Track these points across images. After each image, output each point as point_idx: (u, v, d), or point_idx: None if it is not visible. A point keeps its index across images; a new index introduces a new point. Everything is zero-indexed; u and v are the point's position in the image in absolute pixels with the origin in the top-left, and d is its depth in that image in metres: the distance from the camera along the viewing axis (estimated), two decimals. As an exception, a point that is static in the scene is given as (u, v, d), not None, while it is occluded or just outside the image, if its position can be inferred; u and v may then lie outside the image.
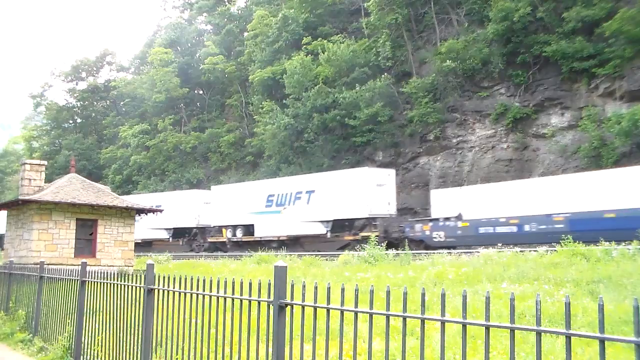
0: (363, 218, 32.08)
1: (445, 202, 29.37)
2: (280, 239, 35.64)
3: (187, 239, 44.40)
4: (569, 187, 24.61)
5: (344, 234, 33.15)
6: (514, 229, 25.63)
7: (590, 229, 22.10)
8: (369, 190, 31.00)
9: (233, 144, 55.29)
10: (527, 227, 25.37)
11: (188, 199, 43.12)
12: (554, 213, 24.52)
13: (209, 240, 42.23)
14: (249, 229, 38.44)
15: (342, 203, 31.86)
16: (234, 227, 39.32)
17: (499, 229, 26.07)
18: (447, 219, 28.68)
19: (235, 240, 39.30)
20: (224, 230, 40.42)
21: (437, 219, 29.21)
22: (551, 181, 26.51)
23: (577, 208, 23.71)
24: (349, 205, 31.18)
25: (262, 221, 37.41)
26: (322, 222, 33.34)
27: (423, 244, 28.96)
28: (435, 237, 28.65)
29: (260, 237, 36.85)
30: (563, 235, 18.55)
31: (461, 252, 22.08)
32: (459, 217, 28.29)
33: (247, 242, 37.69)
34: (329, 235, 33.37)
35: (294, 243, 35.52)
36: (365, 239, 27.19)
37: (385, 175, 32.60)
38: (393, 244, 29.39)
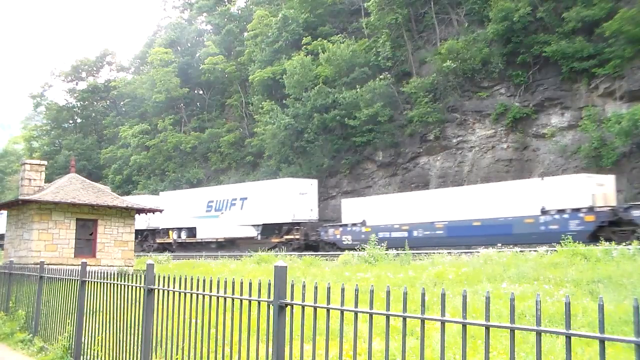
0: (288, 223, 35.54)
1: (353, 210, 33.54)
2: (219, 240, 40.51)
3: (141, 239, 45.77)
4: (448, 199, 29.28)
5: (272, 236, 36.67)
6: (405, 234, 29.61)
7: (462, 235, 27.37)
8: (292, 198, 35.16)
9: (233, 144, 55.29)
10: (415, 233, 29.59)
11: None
12: (435, 221, 28.83)
13: (157, 241, 45.52)
14: (192, 232, 42.86)
15: (270, 209, 35.93)
16: (179, 230, 43.74)
17: (394, 234, 30.14)
18: (354, 224, 32.73)
19: (180, 241, 43.75)
20: (170, 232, 44.48)
21: (346, 225, 33.25)
22: (435, 193, 31.52)
23: (453, 217, 28.11)
24: (276, 211, 34.89)
25: (203, 224, 41.67)
26: (253, 225, 37.34)
27: (335, 246, 33.21)
28: (344, 240, 32.37)
29: (202, 239, 41.79)
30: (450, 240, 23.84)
31: (461, 252, 22.11)
32: (363, 223, 32.28)
33: (190, 243, 42.93)
34: (259, 237, 37.04)
35: (230, 244, 40.65)
36: (290, 241, 34.62)
37: (308, 185, 36.86)
38: (312, 245, 34.51)
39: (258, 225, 37.06)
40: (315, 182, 37.78)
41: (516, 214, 25.85)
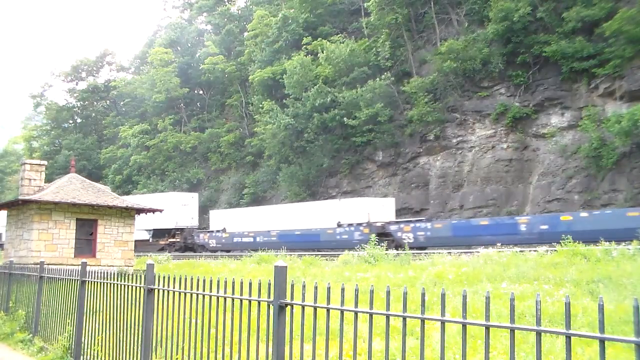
0: (172, 228, 44.20)
1: (217, 219, 42.38)
2: None
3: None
4: (280, 213, 37.97)
5: (160, 239, 44.84)
6: (252, 239, 37.80)
7: (289, 241, 34.70)
8: (176, 209, 43.37)
9: (233, 144, 55.30)
10: (258, 238, 37.27)
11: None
12: (271, 230, 36.65)
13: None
14: None
15: (159, 217, 40.26)
16: None
17: (244, 239, 38.43)
18: (217, 231, 41.01)
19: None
20: None
21: (212, 231, 41.75)
22: (271, 209, 40.59)
23: (283, 227, 35.95)
24: (163, 219, 39.16)
25: None
26: (147, 230, 43.68)
27: (205, 248, 41.27)
28: (210, 243, 40.97)
29: None
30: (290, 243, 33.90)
31: (461, 252, 22.12)
32: (224, 230, 40.41)
33: None
34: (151, 240, 44.82)
35: None
36: (173, 243, 43.82)
37: (189, 198, 46.14)
38: (190, 247, 43.19)
39: (150, 230, 44.24)
40: (196, 195, 47.61)
41: (322, 226, 33.97)
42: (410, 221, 31.16)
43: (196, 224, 45.61)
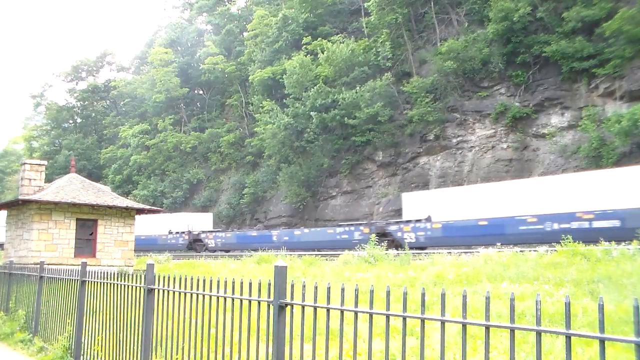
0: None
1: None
2: None
3: None
4: (188, 219, 45.78)
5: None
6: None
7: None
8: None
9: (233, 144, 55.30)
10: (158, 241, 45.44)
11: None
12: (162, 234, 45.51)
13: None
14: None
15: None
16: None
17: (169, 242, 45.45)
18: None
19: None
20: None
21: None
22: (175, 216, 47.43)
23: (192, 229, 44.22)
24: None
25: None
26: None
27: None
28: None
29: None
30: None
31: (461, 252, 22.13)
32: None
33: None
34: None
35: None
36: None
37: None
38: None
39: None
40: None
41: (158, 233, 46.28)
42: (214, 231, 44.36)
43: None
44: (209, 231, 43.80)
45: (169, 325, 5.57)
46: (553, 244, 19.26)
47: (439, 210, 29.23)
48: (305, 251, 31.05)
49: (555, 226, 24.35)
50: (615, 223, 22.60)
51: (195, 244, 43.04)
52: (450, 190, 31.28)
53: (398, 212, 35.13)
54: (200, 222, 45.46)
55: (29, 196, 20.47)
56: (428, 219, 29.50)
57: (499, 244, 22.72)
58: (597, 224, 23.13)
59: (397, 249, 26.16)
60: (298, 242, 36.51)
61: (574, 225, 23.58)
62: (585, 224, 23.46)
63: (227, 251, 39.75)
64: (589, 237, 21.71)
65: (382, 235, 30.53)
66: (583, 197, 23.95)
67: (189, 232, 43.29)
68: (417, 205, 31.08)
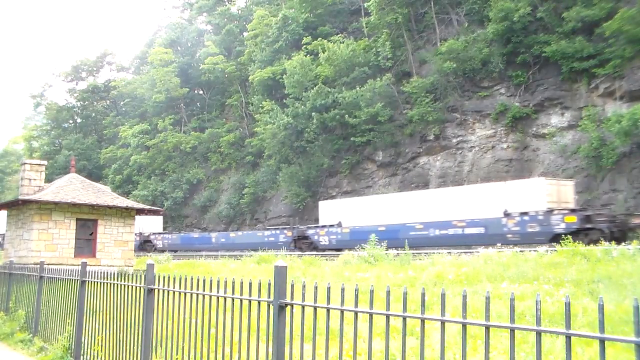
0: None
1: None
2: None
3: None
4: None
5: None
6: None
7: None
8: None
9: (233, 144, 55.30)
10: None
11: None
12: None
13: None
14: None
15: None
16: None
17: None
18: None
19: None
20: None
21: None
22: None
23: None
24: None
25: None
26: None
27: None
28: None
29: None
30: None
31: (461, 252, 22.16)
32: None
33: None
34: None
35: None
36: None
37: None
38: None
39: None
40: None
41: None
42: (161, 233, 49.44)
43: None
44: (157, 233, 48.86)
45: (169, 325, 5.57)
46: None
47: (348, 217, 33.51)
48: (240, 251, 37.27)
49: (437, 232, 28.43)
50: (481, 230, 26.66)
51: (145, 245, 47.27)
52: (357, 200, 35.86)
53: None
54: (151, 224, 48.23)
55: (29, 196, 20.47)
56: (339, 225, 33.76)
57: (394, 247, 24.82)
58: (468, 231, 27.17)
59: (315, 250, 31.96)
60: (233, 244, 41.31)
61: (451, 231, 27.63)
62: (460, 231, 27.42)
63: (175, 251, 43.76)
64: (462, 241, 26.62)
65: (303, 238, 35.74)
66: (457, 207, 27.96)
67: (141, 233, 46.15)
68: (330, 212, 35.14)
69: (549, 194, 25.41)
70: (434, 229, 28.48)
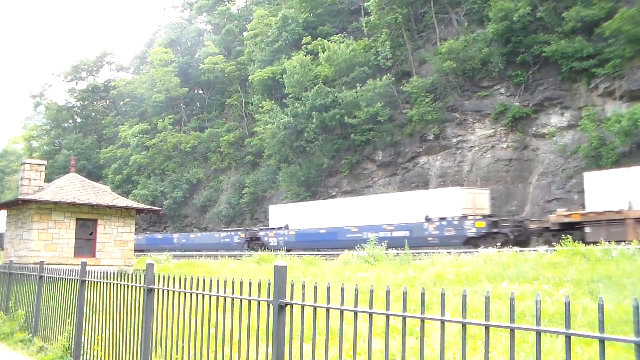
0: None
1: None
2: None
3: None
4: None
5: None
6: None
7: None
8: None
9: (233, 144, 55.30)
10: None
11: None
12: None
13: None
14: None
15: None
16: None
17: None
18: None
19: None
20: None
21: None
22: None
23: None
24: None
25: None
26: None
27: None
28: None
29: None
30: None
31: (461, 252, 22.20)
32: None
33: None
34: None
35: None
36: None
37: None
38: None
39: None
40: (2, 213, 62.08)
41: None
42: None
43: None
44: None
45: (169, 325, 5.57)
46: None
47: (294, 221, 36.67)
48: (198, 251, 40.99)
49: (370, 235, 29.90)
50: (407, 233, 29.24)
51: None
52: (302, 205, 38.97)
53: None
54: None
55: (29, 196, 20.47)
56: (286, 227, 36.93)
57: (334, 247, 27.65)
58: (396, 234, 29.81)
59: (266, 250, 33.99)
60: (193, 244, 44.51)
61: (382, 234, 29.55)
62: (389, 234, 30.08)
63: (141, 251, 44.73)
64: (391, 243, 28.20)
65: (255, 239, 39.15)
66: (387, 213, 30.93)
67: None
68: (279, 216, 38.40)
69: (464, 202, 28.15)
70: (367, 232, 30.57)
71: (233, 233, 42.06)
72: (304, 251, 32.56)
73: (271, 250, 33.95)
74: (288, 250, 33.59)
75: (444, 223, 28.01)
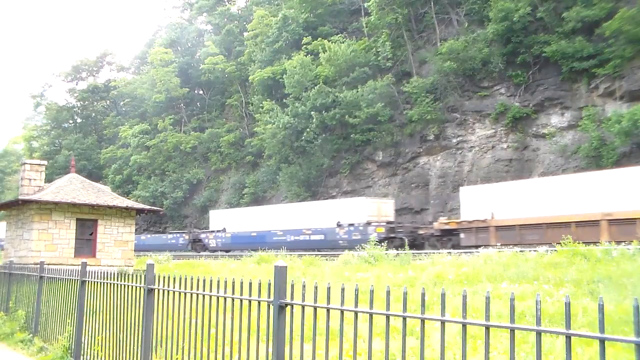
0: None
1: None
2: None
3: None
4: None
5: None
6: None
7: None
8: None
9: (233, 144, 55.29)
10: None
11: None
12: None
13: None
14: None
15: None
16: None
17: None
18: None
19: None
20: None
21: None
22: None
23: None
24: None
25: None
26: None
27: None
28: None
29: None
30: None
31: (461, 252, 22.22)
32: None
33: None
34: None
35: None
36: None
37: None
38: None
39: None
40: None
41: None
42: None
43: None
44: None
45: (169, 325, 5.57)
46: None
47: (230, 224, 41.05)
48: (149, 251, 43.35)
49: (292, 238, 35.40)
50: (322, 237, 33.76)
51: None
52: (237, 210, 43.93)
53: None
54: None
55: (29, 196, 20.47)
56: (224, 230, 41.25)
57: (265, 248, 31.00)
58: (313, 237, 34.25)
59: (206, 250, 39.79)
60: (144, 245, 47.71)
61: (302, 237, 34.67)
62: (307, 237, 34.51)
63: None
64: (309, 245, 33.64)
65: (198, 240, 43.48)
66: (306, 219, 34.80)
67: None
68: (218, 220, 42.72)
69: (370, 210, 32.09)
70: (290, 235, 35.40)
71: (178, 235, 47.36)
72: (240, 252, 37.31)
73: (212, 251, 40.58)
74: (226, 251, 39.14)
75: (352, 228, 31.91)
